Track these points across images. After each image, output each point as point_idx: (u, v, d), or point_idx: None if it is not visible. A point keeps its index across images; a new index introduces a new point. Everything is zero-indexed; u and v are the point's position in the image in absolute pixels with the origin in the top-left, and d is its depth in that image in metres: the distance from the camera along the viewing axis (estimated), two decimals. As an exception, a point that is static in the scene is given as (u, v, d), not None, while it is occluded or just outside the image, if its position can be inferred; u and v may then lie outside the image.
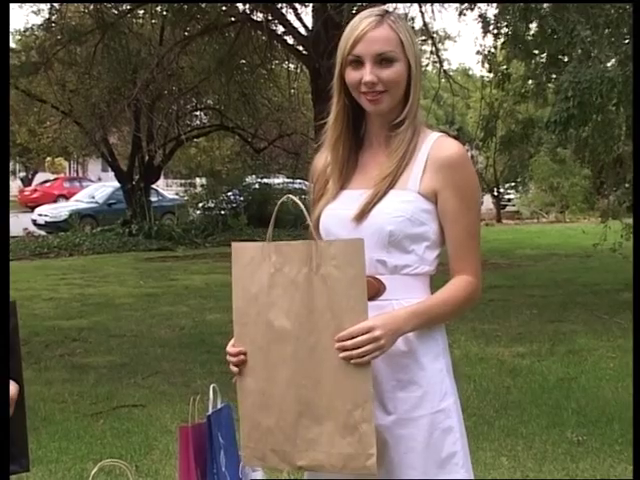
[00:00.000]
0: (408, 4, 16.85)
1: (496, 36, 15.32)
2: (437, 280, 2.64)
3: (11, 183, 53.19)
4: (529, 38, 14.39)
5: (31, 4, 21.54)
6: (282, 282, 2.41)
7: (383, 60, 2.55)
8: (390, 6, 16.02)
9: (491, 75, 17.45)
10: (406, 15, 17.56)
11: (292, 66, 21.56)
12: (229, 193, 28.44)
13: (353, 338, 2.33)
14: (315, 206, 2.71)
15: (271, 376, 2.44)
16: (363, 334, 2.34)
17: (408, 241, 2.55)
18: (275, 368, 2.44)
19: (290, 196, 2.57)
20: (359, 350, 2.33)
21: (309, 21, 17.54)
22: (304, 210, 2.48)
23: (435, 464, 2.55)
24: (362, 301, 2.35)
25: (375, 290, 2.53)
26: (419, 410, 2.55)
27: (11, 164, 50.83)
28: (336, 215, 2.64)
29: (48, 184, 44.55)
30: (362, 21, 2.59)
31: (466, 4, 15.55)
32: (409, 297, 2.54)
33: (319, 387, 2.39)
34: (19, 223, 27.08)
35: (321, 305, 2.37)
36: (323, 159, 2.75)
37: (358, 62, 2.58)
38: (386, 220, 2.54)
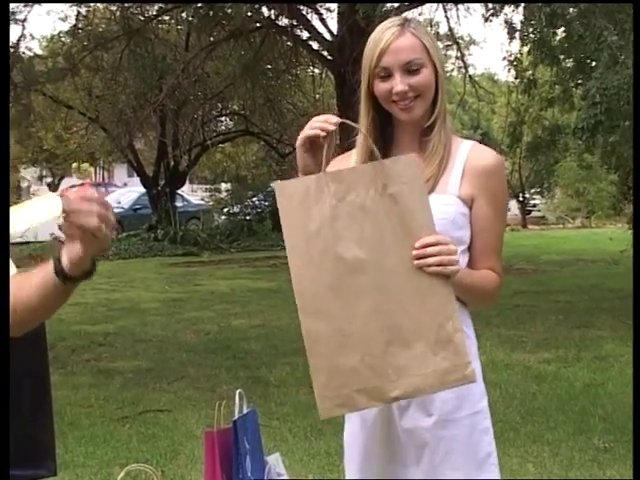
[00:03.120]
0: (434, 10, 16.86)
1: (522, 42, 15.29)
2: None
3: (38, 188, 53.52)
4: (555, 44, 14.35)
5: (58, 11, 21.70)
6: (348, 211, 2.27)
7: (411, 68, 2.57)
8: (415, 11, 16.05)
9: (517, 81, 17.43)
10: (431, 20, 17.59)
11: (317, 71, 21.58)
12: (254, 198, 28.51)
13: (437, 245, 2.26)
14: None
15: (349, 312, 2.30)
16: (445, 244, 2.27)
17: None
18: (354, 302, 2.29)
19: (345, 121, 2.44)
20: (438, 258, 2.25)
21: (334, 26, 17.59)
22: (363, 132, 2.41)
23: (474, 464, 2.59)
24: (431, 214, 2.28)
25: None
26: (460, 411, 2.59)
27: (38, 170, 51.14)
28: None
29: (74, 189, 44.70)
30: (384, 32, 2.60)
31: (491, 10, 15.50)
32: None
33: (405, 310, 2.29)
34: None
35: (393, 225, 2.27)
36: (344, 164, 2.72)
37: (386, 74, 2.59)
38: None
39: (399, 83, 2.57)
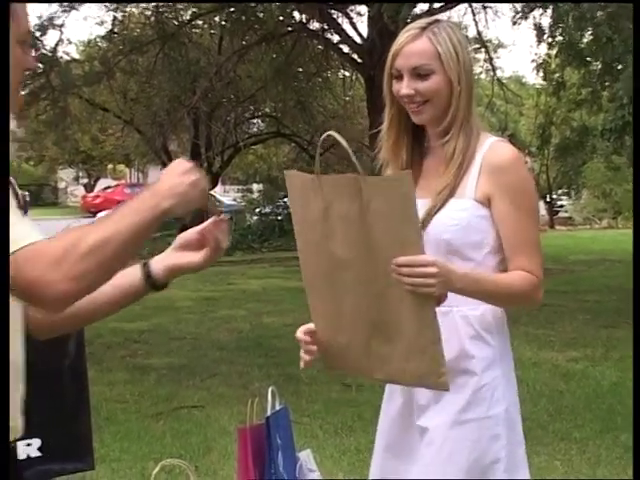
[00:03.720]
0: (462, 13, 16.83)
1: (550, 45, 15.21)
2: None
3: (75, 189, 53.89)
4: (583, 46, 14.26)
5: (94, 16, 21.82)
6: (335, 215, 2.35)
7: (420, 73, 2.57)
8: (444, 15, 16.00)
9: (545, 83, 17.35)
10: (460, 24, 17.54)
11: (347, 74, 21.60)
12: (285, 199, 28.49)
13: (411, 267, 2.25)
14: None
15: (339, 302, 2.46)
16: (421, 266, 2.26)
17: (467, 249, 2.56)
18: (342, 295, 2.44)
19: (332, 133, 2.44)
20: (410, 279, 2.26)
21: (364, 30, 17.60)
22: (346, 147, 2.43)
23: (478, 469, 2.56)
24: (416, 233, 2.28)
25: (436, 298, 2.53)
26: (467, 414, 2.56)
27: (74, 171, 51.50)
28: None
29: (110, 190, 44.94)
30: (403, 35, 2.61)
31: (520, 13, 15.44)
32: (472, 305, 2.55)
33: (385, 312, 2.37)
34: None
35: (376, 238, 2.29)
36: (388, 168, 2.75)
37: (399, 75, 2.60)
38: (443, 229, 2.55)
39: (405, 87, 2.58)
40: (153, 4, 19.13)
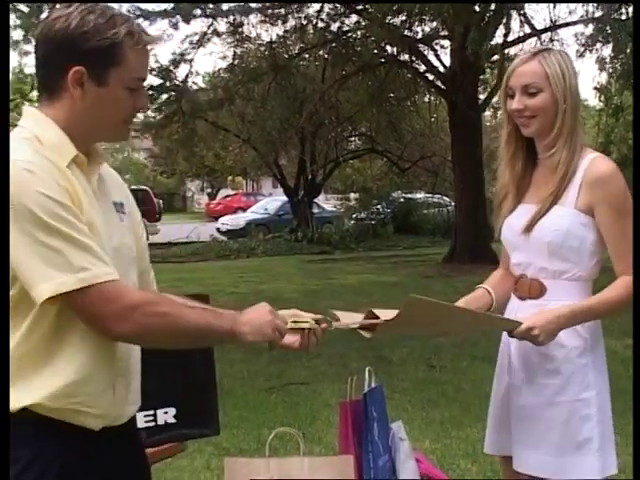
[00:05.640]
0: (532, 45, 16.59)
1: (610, 74, 14.86)
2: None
3: (200, 197, 54.64)
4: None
5: (218, 52, 22.04)
6: None
7: (529, 91, 2.55)
8: (517, 47, 15.77)
9: (605, 107, 16.99)
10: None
11: (432, 98, 21.49)
12: (378, 206, 28.45)
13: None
14: (498, 213, 2.75)
15: None
16: (525, 335, 2.43)
17: (566, 251, 2.55)
18: None
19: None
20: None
21: (447, 61, 17.51)
22: (345, 325, 2.64)
23: (572, 445, 2.55)
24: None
25: (537, 291, 2.57)
26: (561, 397, 2.56)
27: (200, 182, 52.23)
28: (512, 226, 2.67)
29: (229, 198, 45.36)
30: (517, 59, 2.63)
31: (584, 46, 15.16)
32: (567, 299, 2.55)
33: None
34: (206, 231, 27.78)
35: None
36: (505, 175, 2.74)
37: (512, 93, 2.60)
38: (545, 233, 2.55)
39: (516, 102, 2.57)
40: (267, 41, 19.39)
